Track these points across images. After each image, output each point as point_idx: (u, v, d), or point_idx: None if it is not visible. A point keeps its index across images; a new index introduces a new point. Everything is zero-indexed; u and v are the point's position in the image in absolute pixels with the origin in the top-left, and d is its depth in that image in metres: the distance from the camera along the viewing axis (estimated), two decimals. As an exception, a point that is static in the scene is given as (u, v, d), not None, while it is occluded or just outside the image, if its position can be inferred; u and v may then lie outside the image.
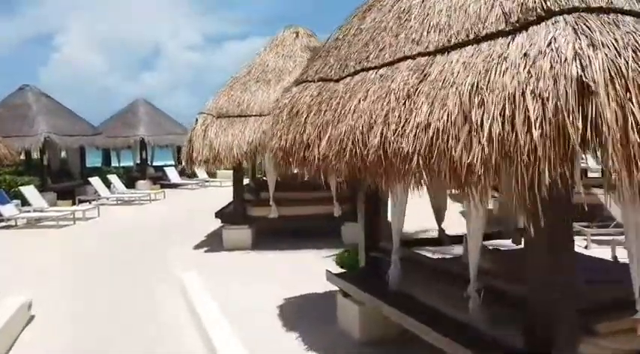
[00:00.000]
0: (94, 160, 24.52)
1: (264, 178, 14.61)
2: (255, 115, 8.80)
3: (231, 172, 26.82)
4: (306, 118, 4.00)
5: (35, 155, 18.87)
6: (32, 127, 16.75)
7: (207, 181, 23.62)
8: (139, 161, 23.07)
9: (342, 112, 3.64)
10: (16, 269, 8.46)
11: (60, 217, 12.60)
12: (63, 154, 19.60)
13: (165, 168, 23.21)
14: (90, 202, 17.01)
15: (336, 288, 5.29)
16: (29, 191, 13.82)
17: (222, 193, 21.02)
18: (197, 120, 8.83)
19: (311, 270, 7.56)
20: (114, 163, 24.54)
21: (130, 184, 20.24)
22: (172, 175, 22.96)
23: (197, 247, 9.70)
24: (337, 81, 3.99)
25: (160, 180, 22.60)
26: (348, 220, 9.46)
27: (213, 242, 9.96)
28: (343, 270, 6.52)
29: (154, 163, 25.19)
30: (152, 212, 15.34)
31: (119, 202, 17.39)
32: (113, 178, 18.73)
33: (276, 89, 9.14)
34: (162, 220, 13.25)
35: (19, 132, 16.64)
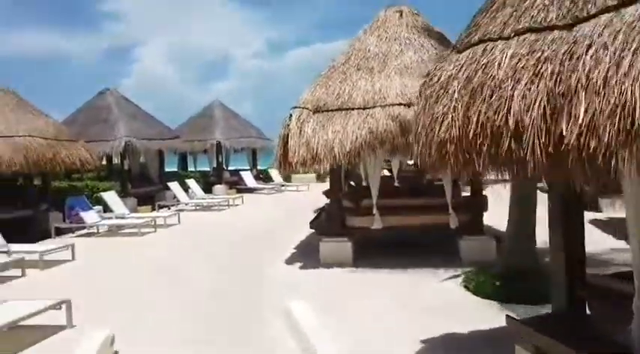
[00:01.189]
0: (170, 164, 24.51)
1: (352, 182, 13.41)
2: (358, 108, 7.51)
3: (309, 175, 25.98)
4: (512, 89, 2.59)
5: (116, 160, 18.82)
6: (113, 131, 16.56)
7: (283, 186, 22.80)
8: (215, 165, 22.65)
9: (592, 76, 2.22)
10: (98, 285, 7.69)
11: (141, 225, 12.00)
12: (142, 159, 19.46)
13: (241, 172, 22.63)
14: (169, 208, 16.57)
15: (492, 325, 3.84)
16: (110, 197, 13.42)
17: (299, 197, 20.10)
18: (291, 115, 7.67)
19: (441, 297, 6.18)
20: (190, 168, 24.35)
21: (206, 188, 19.75)
22: (248, 179, 22.34)
23: (290, 261, 8.56)
24: (567, 28, 2.55)
25: (236, 184, 22.03)
26: (468, 233, 7.97)
27: (305, 255, 8.79)
28: (477, 296, 5.05)
29: (230, 167, 24.74)
30: (233, 219, 14.52)
31: (198, 207, 16.82)
32: (191, 183, 18.26)
33: (380, 77, 7.82)
34: (244, 228, 12.32)
35: (101, 136, 16.50)
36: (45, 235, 11.73)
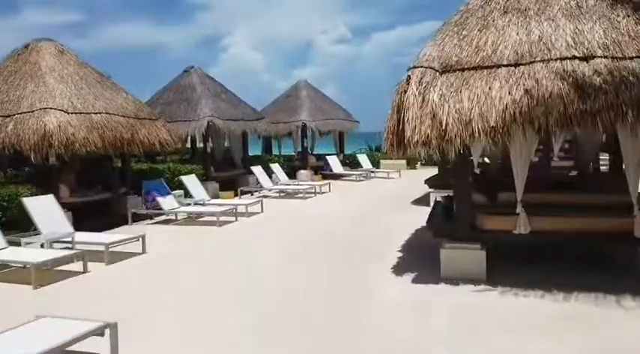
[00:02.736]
0: (254, 148, 23.45)
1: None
2: (507, 65, 5.37)
3: (399, 162, 23.76)
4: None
5: (199, 141, 17.91)
6: (196, 111, 15.51)
7: (372, 172, 20.86)
8: (300, 149, 21.18)
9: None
10: (162, 295, 6.31)
11: (221, 213, 10.68)
12: (226, 143, 18.44)
13: (327, 157, 20.97)
14: (252, 194, 15.33)
15: None
16: (191, 181, 12.29)
17: (391, 185, 18.03)
18: (409, 78, 5.69)
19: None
20: (274, 152, 23.12)
21: (290, 173, 18.34)
22: (334, 164, 20.64)
23: (398, 271, 6.63)
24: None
25: (321, 170, 20.45)
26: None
27: (417, 262, 6.84)
28: None
29: (315, 152, 23.19)
30: (321, 209, 12.86)
31: (282, 194, 15.39)
32: (275, 167, 16.90)
33: (540, 22, 5.58)
34: (338, 223, 10.58)
35: (184, 116, 15.53)
36: (122, 221, 10.82)
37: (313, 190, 15.41)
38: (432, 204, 12.18)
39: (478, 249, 6.04)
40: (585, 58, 5.05)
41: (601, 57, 5.01)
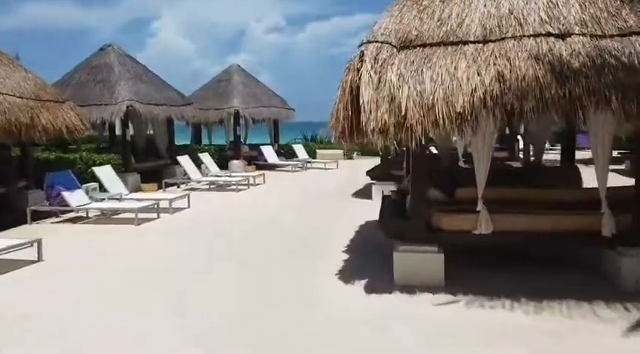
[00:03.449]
0: (182, 137, 21.83)
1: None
2: (475, 42, 4.64)
3: (335, 152, 23.14)
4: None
5: (118, 128, 16.15)
6: (113, 94, 13.82)
7: (309, 162, 20.03)
8: (232, 138, 19.89)
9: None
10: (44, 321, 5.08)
11: (140, 209, 9.36)
12: (149, 130, 16.81)
13: (261, 147, 19.86)
14: (178, 186, 13.98)
15: None
16: (105, 173, 10.79)
17: (329, 177, 17.23)
18: (362, 54, 4.83)
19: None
20: (204, 141, 21.64)
21: (222, 164, 17.09)
22: (269, 154, 19.59)
23: (346, 277, 5.78)
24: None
25: (255, 160, 19.33)
26: (629, 242, 5.15)
27: (366, 266, 6.06)
28: None
29: (248, 141, 21.98)
30: (256, 202, 11.82)
31: (212, 186, 14.16)
32: (205, 157, 15.59)
33: (511, -6, 4.88)
34: (274, 218, 9.62)
35: (99, 99, 13.80)
36: (20, 221, 9.21)
37: (246, 182, 14.31)
38: (373, 196, 11.59)
39: (435, 252, 5.34)
40: (561, 36, 4.44)
41: (578, 34, 4.42)
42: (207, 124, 20.38)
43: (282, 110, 20.78)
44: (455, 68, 4.51)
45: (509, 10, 4.72)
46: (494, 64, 4.41)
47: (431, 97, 4.49)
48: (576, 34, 4.40)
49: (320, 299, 5.12)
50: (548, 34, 4.46)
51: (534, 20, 4.57)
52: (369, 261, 6.26)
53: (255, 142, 21.87)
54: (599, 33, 4.39)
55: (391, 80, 4.60)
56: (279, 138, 22.14)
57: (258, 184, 14.64)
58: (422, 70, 4.60)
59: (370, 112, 4.58)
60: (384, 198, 7.15)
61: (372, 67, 4.70)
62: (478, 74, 4.42)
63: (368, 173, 12.17)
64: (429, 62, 4.62)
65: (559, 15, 4.55)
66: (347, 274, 5.81)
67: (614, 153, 18.60)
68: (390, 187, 10.95)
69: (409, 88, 4.55)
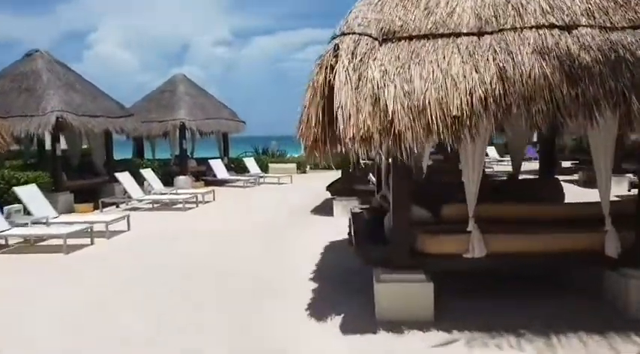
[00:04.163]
0: (123, 151, 20.25)
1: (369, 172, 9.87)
2: (469, 34, 3.96)
3: (288, 165, 22.25)
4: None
5: (47, 142, 14.55)
6: (40, 104, 12.33)
7: (261, 177, 19.02)
8: (177, 152, 18.58)
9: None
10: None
11: (70, 234, 8.07)
12: (84, 144, 15.29)
13: (210, 161, 18.67)
14: (117, 206, 12.62)
15: None
16: (28, 193, 9.39)
17: (284, 192, 16.23)
18: (337, 47, 4.04)
19: None
20: (147, 156, 20.17)
21: (167, 180, 15.81)
22: (218, 168, 18.44)
23: (321, 312, 4.89)
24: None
25: (203, 175, 18.12)
26: (634, 264, 4.61)
27: (342, 298, 5.21)
28: None
29: (196, 155, 20.71)
30: (205, 223, 10.72)
31: (156, 205, 12.89)
32: (147, 174, 14.28)
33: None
34: (226, 241, 8.59)
35: (25, 110, 12.27)
36: None
37: (195, 200, 13.14)
38: (335, 213, 10.81)
39: (424, 280, 4.58)
40: (567, 27, 3.86)
41: (586, 26, 3.86)
42: (150, 138, 18.97)
43: (231, 122, 19.70)
44: (448, 64, 3.82)
45: (506, -1, 4.11)
46: (494, 60, 3.75)
47: (422, 97, 3.75)
48: (583, 26, 3.84)
49: (293, 347, 4.21)
50: (552, 26, 3.87)
51: (535, 10, 3.98)
52: (342, 292, 5.42)
53: (203, 156, 20.64)
54: (609, 25, 3.85)
55: (374, 78, 3.83)
56: (229, 152, 21.03)
57: (207, 202, 13.51)
58: (409, 66, 3.87)
59: (349, 116, 3.78)
60: (355, 216, 6.36)
61: (349, 63, 3.92)
62: (476, 71, 3.74)
63: (328, 188, 11.39)
64: (417, 57, 3.90)
65: (561, 4, 3.99)
66: (318, 311, 4.92)
67: (567, 164, 18.89)
68: (352, 203, 10.23)
69: (395, 87, 3.80)
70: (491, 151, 23.21)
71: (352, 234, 5.55)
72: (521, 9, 4.00)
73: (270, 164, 21.94)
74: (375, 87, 3.81)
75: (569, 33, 3.83)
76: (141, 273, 6.69)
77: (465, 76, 3.74)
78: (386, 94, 3.79)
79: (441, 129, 3.68)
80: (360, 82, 3.85)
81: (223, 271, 6.62)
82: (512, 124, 4.06)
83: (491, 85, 3.67)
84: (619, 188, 13.60)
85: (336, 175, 17.51)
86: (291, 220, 10.41)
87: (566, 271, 5.45)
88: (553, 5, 3.98)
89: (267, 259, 7.17)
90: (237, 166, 20.50)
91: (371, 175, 9.70)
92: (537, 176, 7.25)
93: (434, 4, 4.16)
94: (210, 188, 14.90)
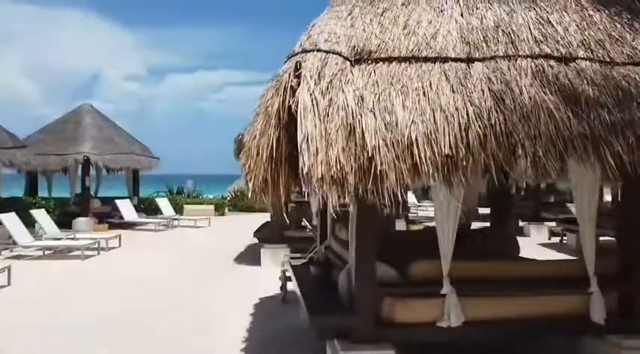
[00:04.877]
0: (12, 187, 17.67)
1: (308, 225, 8.98)
2: (457, 60, 3.32)
3: (205, 207, 20.79)
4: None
5: None
6: None
7: (175, 219, 17.38)
8: (80, 190, 16.49)
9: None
10: None
11: None
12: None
13: (117, 201, 16.76)
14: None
15: None
16: None
17: (202, 238, 14.64)
18: (298, 66, 3.22)
19: None
20: (42, 194, 17.73)
21: (64, 222, 13.78)
22: (126, 210, 16.58)
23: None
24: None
25: (107, 217, 16.15)
26: (624, 329, 4.10)
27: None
28: None
29: (100, 194, 18.61)
30: (109, 275, 9.07)
31: (48, 253, 10.93)
32: (39, 215, 12.23)
33: (489, 3, 3.73)
34: (133, 302, 7.14)
35: None
36: None
37: (97, 246, 11.35)
38: (263, 262, 9.71)
39: (393, 357, 3.71)
40: (563, 59, 3.38)
41: (584, 59, 3.40)
42: (46, 173, 16.74)
43: (143, 158, 17.99)
44: (436, 93, 3.14)
45: (494, 23, 3.56)
46: (490, 90, 3.14)
47: (407, 132, 3.01)
48: (582, 59, 3.38)
49: None
50: (548, 56, 3.37)
51: (527, 38, 3.48)
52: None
53: (108, 195, 18.58)
54: (607, 59, 3.44)
55: (347, 105, 3.05)
56: (139, 191, 19.16)
57: (112, 248, 11.76)
58: (390, 93, 3.14)
59: (316, 151, 2.93)
60: (297, 271, 5.41)
61: (315, 85, 3.11)
62: (470, 103, 3.10)
63: (255, 234, 10.31)
64: (399, 83, 3.18)
65: (555, 34, 3.53)
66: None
67: (480, 210, 19.15)
68: (282, 251, 9.25)
69: (375, 118, 3.04)
70: (410, 197, 23.47)
71: (285, 289, 4.58)
72: (512, 35, 3.49)
73: (185, 205, 20.33)
74: (350, 116, 3.02)
75: (566, 65, 3.35)
76: (17, 348, 5.13)
77: (457, 108, 3.08)
78: (364, 125, 3.00)
79: (430, 170, 2.94)
80: (331, 110, 3.04)
81: (131, 340, 5.27)
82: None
83: (489, 120, 3.03)
84: (540, 237, 13.96)
85: (259, 218, 16.42)
86: (212, 271, 9.14)
87: (536, 337, 4.86)
88: (546, 34, 3.52)
89: (187, 325, 5.91)
90: (148, 207, 18.68)
91: (304, 220, 8.83)
92: (487, 226, 6.81)
93: (414, 23, 3.52)
94: (115, 232, 13.11)
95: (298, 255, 8.61)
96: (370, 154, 2.93)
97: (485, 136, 2.99)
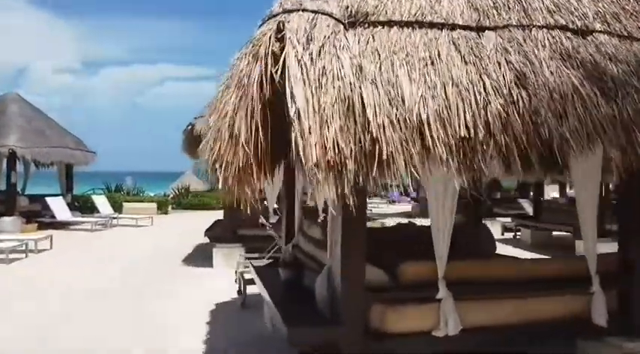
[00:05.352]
0: None
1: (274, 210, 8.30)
2: (466, 27, 2.83)
3: (146, 205, 19.61)
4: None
5: None
6: None
7: (114, 218, 16.13)
8: (4, 187, 14.88)
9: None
10: None
11: None
12: None
13: (48, 198, 15.30)
14: None
15: None
16: None
17: (145, 238, 13.39)
18: (280, 27, 2.62)
19: None
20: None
21: (-14, 222, 12.34)
22: (59, 208, 15.19)
23: None
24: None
25: (37, 217, 14.69)
26: (623, 331, 3.83)
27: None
28: None
29: (29, 191, 16.96)
30: (37, 283, 8.00)
31: (-35, 257, 9.61)
32: (-45, 214, 10.82)
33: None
34: (66, 313, 6.25)
35: None
36: None
37: (24, 248, 10.15)
38: (215, 263, 8.96)
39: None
40: (580, 31, 2.99)
41: (602, 32, 3.03)
42: (-36, 168, 15.00)
43: (78, 153, 16.55)
44: (446, 65, 2.65)
45: (503, -12, 3.13)
46: (508, 63, 2.69)
47: (415, 109, 2.50)
48: (599, 32, 3.01)
49: None
50: (564, 28, 2.97)
51: (540, 8, 3.06)
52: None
53: (38, 192, 16.97)
54: (625, 34, 3.10)
55: (344, 75, 2.49)
56: (73, 188, 17.66)
57: (42, 251, 10.57)
58: (393, 63, 2.61)
59: (309, 130, 2.36)
60: (261, 274, 4.79)
61: (304, 50, 2.53)
62: (487, 76, 2.63)
63: (207, 233, 9.54)
64: (402, 51, 2.66)
65: (568, 5, 3.14)
66: None
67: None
68: (236, 251, 8.55)
69: (378, 91, 2.50)
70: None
71: (244, 293, 3.97)
72: (524, 2, 3.06)
73: (125, 203, 19.04)
74: (348, 88, 2.47)
75: (584, 38, 2.97)
76: None
77: (471, 82, 2.60)
78: (365, 99, 2.46)
79: (444, 155, 2.45)
80: (324, 80, 2.47)
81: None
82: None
83: (510, 96, 2.58)
84: (493, 232, 13.96)
85: (205, 215, 15.53)
86: (159, 275, 8.31)
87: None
88: (559, 4, 3.12)
89: (130, 341, 5.12)
90: (83, 206, 17.29)
91: (262, 217, 8.19)
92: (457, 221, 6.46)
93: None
94: (46, 233, 11.84)
95: (256, 255, 8.00)
96: (375, 135, 2.39)
97: (507, 114, 2.54)
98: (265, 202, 8.04)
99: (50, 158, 15.34)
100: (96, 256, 10.28)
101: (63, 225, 14.76)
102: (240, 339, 4.93)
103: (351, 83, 2.49)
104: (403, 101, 2.53)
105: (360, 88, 2.51)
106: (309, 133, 2.37)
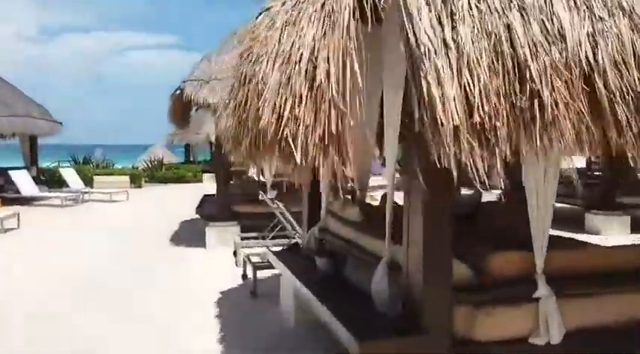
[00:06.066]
0: None
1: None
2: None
3: (119, 178, 18.39)
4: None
5: None
6: None
7: (85, 193, 14.96)
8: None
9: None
10: None
11: None
12: None
13: (10, 171, 14.00)
14: None
15: None
16: None
17: (123, 214, 12.20)
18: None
19: None
20: None
21: (-59, 199, 11.09)
22: (23, 182, 13.94)
23: None
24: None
25: (0, 191, 13.42)
26: None
27: None
28: None
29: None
30: (6, 272, 7.01)
31: None
32: None
33: None
34: (36, 308, 5.35)
35: None
36: None
37: (-13, 228, 9.08)
38: (209, 243, 8.10)
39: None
40: None
41: None
42: None
43: (43, 122, 15.16)
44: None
45: None
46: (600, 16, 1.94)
47: (582, 51, 1.76)
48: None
49: None
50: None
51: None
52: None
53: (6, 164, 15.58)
54: None
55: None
56: (38, 160, 16.30)
57: (9, 230, 9.51)
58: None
59: (437, 82, 1.58)
60: (287, 261, 4.04)
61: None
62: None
63: (198, 210, 8.67)
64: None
65: None
66: None
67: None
68: (231, 230, 7.74)
69: (529, 23, 1.74)
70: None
71: (254, 280, 3.26)
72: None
73: (95, 177, 17.78)
74: (494, 17, 1.69)
75: None
76: None
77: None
78: (515, 33, 1.70)
79: (623, 117, 1.73)
80: (460, 3, 1.68)
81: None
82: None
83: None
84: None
85: (182, 189, 14.39)
86: (145, 258, 7.43)
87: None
88: None
89: (131, 347, 4.33)
90: (50, 179, 16.02)
91: (262, 193, 7.39)
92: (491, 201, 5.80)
93: None
94: (11, 209, 10.69)
95: (254, 234, 7.24)
96: (537, 87, 1.64)
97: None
98: (261, 177, 7.28)
99: (12, 129, 13.96)
100: (72, 237, 9.23)
101: (28, 200, 13.56)
102: (263, 336, 4.20)
103: (497, 10, 1.71)
104: (564, 39, 1.77)
105: (507, 17, 1.73)
106: (443, 84, 1.59)
